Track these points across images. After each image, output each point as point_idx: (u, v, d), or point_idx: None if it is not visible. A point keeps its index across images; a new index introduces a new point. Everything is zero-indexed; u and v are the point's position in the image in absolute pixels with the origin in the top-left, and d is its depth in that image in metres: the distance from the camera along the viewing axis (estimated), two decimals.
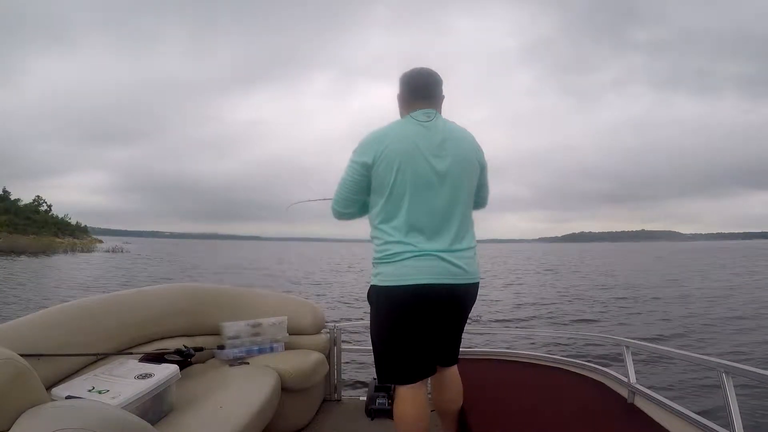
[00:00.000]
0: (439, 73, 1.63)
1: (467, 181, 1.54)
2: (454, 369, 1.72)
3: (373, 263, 1.55)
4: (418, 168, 1.46)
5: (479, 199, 1.71)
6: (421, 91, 1.58)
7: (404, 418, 1.51)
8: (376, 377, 2.51)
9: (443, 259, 1.45)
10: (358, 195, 1.58)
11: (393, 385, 1.67)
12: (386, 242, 1.49)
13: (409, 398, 1.51)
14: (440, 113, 1.62)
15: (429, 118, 1.53)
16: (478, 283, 1.59)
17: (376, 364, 1.63)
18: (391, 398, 2.30)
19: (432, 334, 1.54)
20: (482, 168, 1.63)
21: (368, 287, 1.62)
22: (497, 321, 8.72)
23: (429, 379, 1.66)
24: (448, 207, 1.49)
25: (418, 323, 1.49)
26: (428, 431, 1.54)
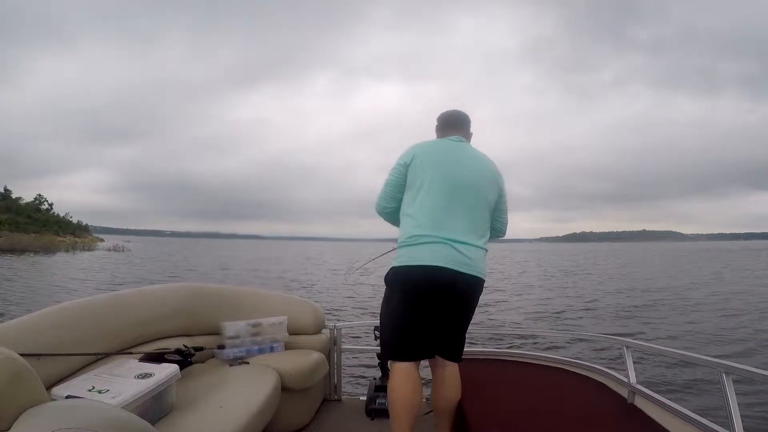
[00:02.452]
0: (468, 115, 1.98)
1: (485, 192, 1.79)
2: (455, 367, 1.77)
3: (396, 249, 1.77)
4: (446, 170, 1.75)
5: (498, 224, 1.93)
6: (452, 122, 1.95)
7: (395, 393, 1.64)
8: (376, 377, 2.52)
9: (457, 249, 1.65)
10: (398, 193, 1.85)
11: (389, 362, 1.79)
12: (410, 227, 1.72)
13: (401, 373, 1.66)
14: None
15: (459, 140, 1.87)
16: (483, 280, 1.74)
17: (380, 340, 1.82)
18: None
19: (434, 318, 1.68)
20: (501, 191, 1.87)
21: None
22: (498, 323, 8.71)
23: (430, 373, 1.78)
24: (467, 207, 1.73)
25: (424, 303, 1.66)
26: (419, 407, 1.66)
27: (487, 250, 1.79)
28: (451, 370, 1.76)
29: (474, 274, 1.68)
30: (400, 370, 1.66)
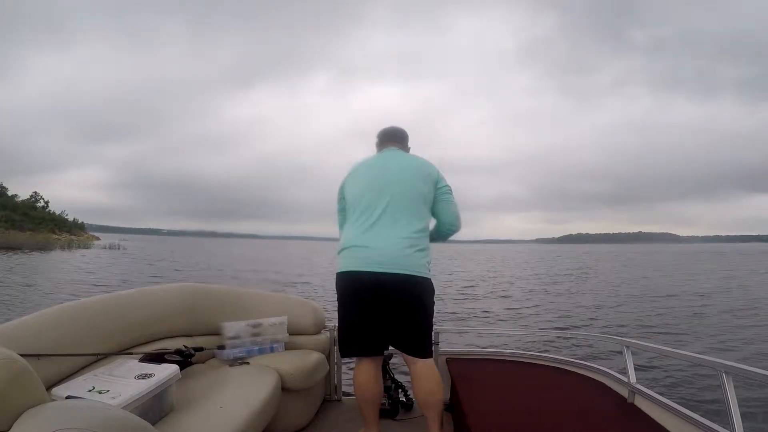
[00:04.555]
0: (405, 129, 2.10)
1: (413, 186, 1.84)
2: (427, 362, 1.83)
3: None
4: (371, 176, 1.89)
5: (445, 217, 1.93)
6: (389, 136, 2.07)
7: (354, 384, 1.90)
8: None
9: (377, 250, 1.74)
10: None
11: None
12: (343, 237, 1.88)
13: (360, 369, 1.89)
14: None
15: (393, 150, 2.00)
16: (412, 276, 1.75)
17: None
18: (390, 398, 2.31)
19: (371, 319, 1.80)
20: (436, 182, 1.90)
21: None
22: (498, 321, 8.72)
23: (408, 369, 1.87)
24: (393, 206, 1.80)
25: (355, 305, 1.81)
26: (376, 396, 1.90)
27: (418, 245, 1.79)
28: (421, 365, 1.82)
29: (399, 272, 1.73)
30: (358, 365, 1.90)
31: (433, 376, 1.83)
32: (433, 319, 1.89)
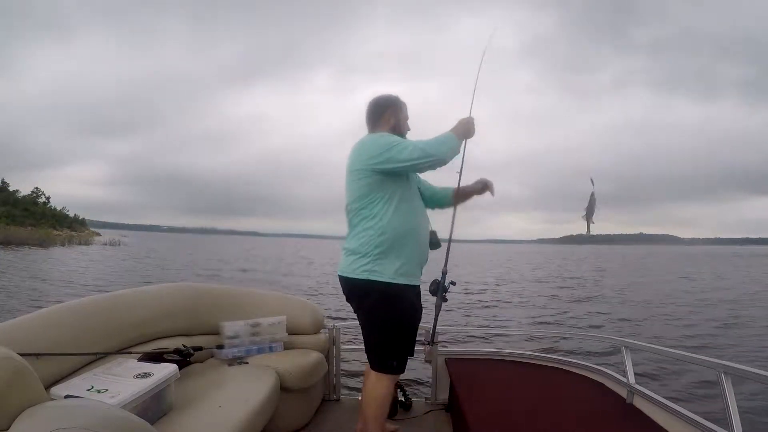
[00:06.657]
0: (377, 99, 1.84)
1: (350, 182, 1.72)
2: (370, 373, 1.75)
3: None
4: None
5: (415, 164, 1.62)
6: (366, 120, 1.88)
7: None
8: None
9: (343, 254, 1.77)
10: None
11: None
12: None
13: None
14: (385, 131, 1.80)
15: (358, 142, 1.78)
16: (356, 279, 1.67)
17: None
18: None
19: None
20: (365, 156, 1.67)
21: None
22: (498, 322, 8.72)
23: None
24: (348, 211, 1.76)
25: None
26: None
27: (358, 246, 1.68)
28: (366, 371, 1.82)
29: (345, 276, 1.74)
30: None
31: (368, 388, 1.76)
32: (389, 331, 1.70)
